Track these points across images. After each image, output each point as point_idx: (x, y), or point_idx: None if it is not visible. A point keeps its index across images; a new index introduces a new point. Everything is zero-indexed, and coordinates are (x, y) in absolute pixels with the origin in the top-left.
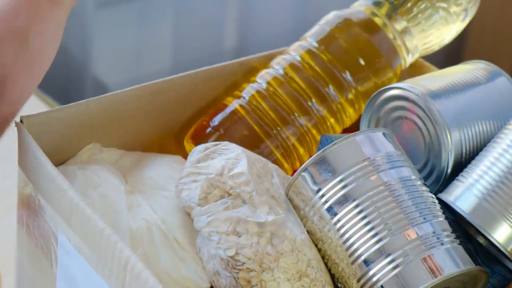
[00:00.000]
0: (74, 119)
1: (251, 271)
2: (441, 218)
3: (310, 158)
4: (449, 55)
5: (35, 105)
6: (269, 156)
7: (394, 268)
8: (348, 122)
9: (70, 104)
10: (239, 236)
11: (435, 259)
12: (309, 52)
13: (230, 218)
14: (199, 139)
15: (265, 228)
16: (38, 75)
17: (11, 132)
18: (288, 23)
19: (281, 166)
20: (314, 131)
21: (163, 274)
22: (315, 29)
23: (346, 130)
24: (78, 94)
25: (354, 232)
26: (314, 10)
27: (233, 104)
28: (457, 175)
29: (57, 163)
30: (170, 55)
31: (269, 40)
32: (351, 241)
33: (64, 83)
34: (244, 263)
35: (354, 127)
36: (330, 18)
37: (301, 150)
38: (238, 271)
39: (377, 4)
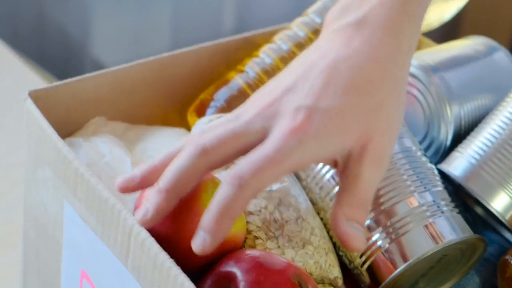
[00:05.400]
0: (81, 93)
1: (257, 239)
2: (440, 187)
3: None
4: (447, 31)
5: (36, 82)
6: None
7: (395, 235)
8: None
9: (77, 77)
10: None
11: (436, 227)
12: (312, 28)
13: None
14: (202, 112)
15: (272, 195)
16: (396, 137)
17: (19, 108)
18: (286, 4)
19: None
20: None
21: None
22: (318, 5)
23: None
24: (77, 75)
25: None
26: None
27: (236, 79)
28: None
29: (64, 136)
30: (169, 35)
31: (267, 21)
32: None
33: (63, 64)
34: (251, 231)
35: None
36: None
37: None
38: (244, 239)
39: None
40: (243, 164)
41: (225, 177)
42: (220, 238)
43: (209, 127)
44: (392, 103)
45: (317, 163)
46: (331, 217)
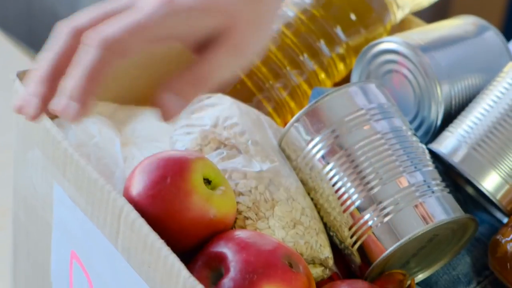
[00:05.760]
0: None
1: (248, 219)
2: (431, 167)
3: (303, 109)
4: (437, 11)
5: (25, 64)
6: (261, 110)
7: (386, 215)
8: (338, 77)
9: None
10: (236, 185)
11: (426, 207)
12: (301, 7)
13: (226, 169)
14: None
15: (262, 175)
16: (264, 38)
17: (8, 89)
18: None
19: (272, 120)
20: (305, 86)
21: None
22: None
23: (336, 85)
24: None
25: (346, 181)
26: None
27: None
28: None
29: (53, 117)
30: None
31: None
32: (343, 190)
33: None
34: (241, 211)
35: (344, 83)
36: None
37: (293, 104)
38: (234, 220)
39: None
40: (110, 27)
41: (87, 39)
42: (88, 103)
43: (82, 13)
44: (262, 4)
45: (184, 40)
46: None
